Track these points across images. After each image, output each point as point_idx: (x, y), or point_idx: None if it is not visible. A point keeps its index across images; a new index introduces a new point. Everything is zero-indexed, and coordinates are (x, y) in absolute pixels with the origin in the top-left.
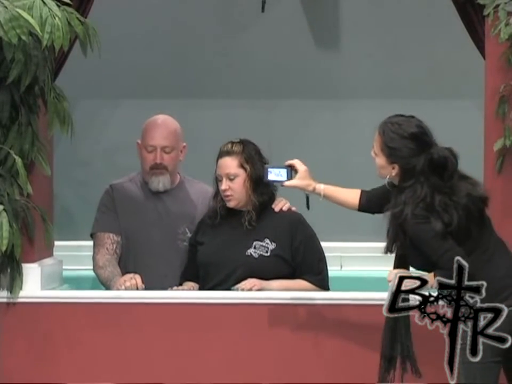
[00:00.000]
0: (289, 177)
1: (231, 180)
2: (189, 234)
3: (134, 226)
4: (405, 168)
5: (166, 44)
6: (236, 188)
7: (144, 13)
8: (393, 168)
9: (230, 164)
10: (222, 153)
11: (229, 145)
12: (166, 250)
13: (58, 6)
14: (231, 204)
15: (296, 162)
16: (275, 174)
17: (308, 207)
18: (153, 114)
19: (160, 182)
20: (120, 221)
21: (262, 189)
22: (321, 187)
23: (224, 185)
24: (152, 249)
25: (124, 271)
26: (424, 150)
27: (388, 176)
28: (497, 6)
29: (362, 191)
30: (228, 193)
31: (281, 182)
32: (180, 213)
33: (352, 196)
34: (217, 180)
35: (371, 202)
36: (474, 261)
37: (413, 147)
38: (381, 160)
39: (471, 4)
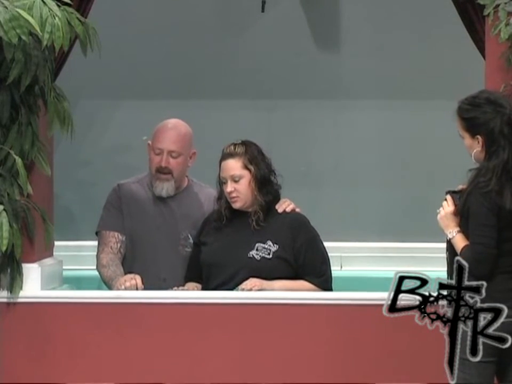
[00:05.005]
0: None
1: (236, 181)
2: (191, 240)
3: (137, 228)
4: (486, 135)
5: (166, 44)
6: (241, 189)
7: (144, 13)
8: (478, 142)
9: (234, 166)
10: (225, 156)
11: (232, 147)
12: (167, 255)
13: (58, 6)
14: (237, 205)
15: None
16: None
17: None
18: (154, 115)
19: (163, 189)
20: (125, 221)
21: (267, 189)
22: None
23: (229, 187)
24: (153, 252)
25: (127, 272)
26: (499, 112)
27: (473, 154)
28: (497, 6)
29: None
30: (234, 194)
31: None
32: (184, 218)
33: None
34: (221, 183)
35: None
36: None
37: (488, 110)
38: (466, 139)
39: (471, 4)
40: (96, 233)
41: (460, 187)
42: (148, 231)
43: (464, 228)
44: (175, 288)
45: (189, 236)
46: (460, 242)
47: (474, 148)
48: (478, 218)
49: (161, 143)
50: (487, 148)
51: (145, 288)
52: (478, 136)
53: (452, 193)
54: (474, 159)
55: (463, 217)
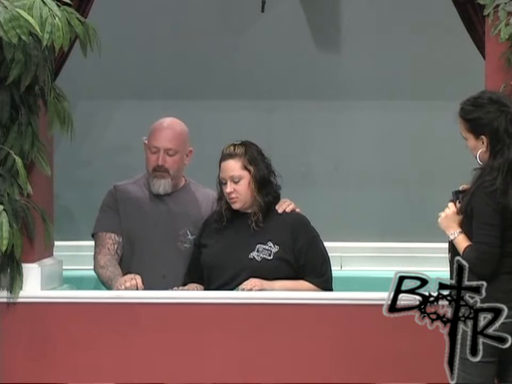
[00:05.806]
0: None
1: (235, 182)
2: (190, 237)
3: (135, 227)
4: (491, 134)
5: (166, 44)
6: (240, 190)
7: (144, 13)
8: (482, 143)
9: (234, 166)
10: (225, 156)
11: (231, 148)
12: (166, 252)
13: (58, 6)
14: (236, 206)
15: None
16: None
17: None
18: (154, 115)
19: (161, 186)
20: (122, 222)
21: (267, 189)
22: None
23: (229, 188)
24: (152, 250)
25: (125, 272)
26: (503, 111)
27: (478, 155)
28: (497, 6)
29: None
30: (233, 195)
31: None
32: (181, 215)
33: None
34: (221, 183)
35: None
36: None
37: (491, 110)
38: (470, 140)
39: (471, 4)
40: (93, 235)
41: (464, 187)
42: (145, 229)
43: (466, 227)
44: (176, 288)
45: (188, 232)
46: (462, 242)
47: (478, 148)
48: (482, 218)
49: (157, 142)
50: (491, 148)
51: (146, 285)
52: (483, 137)
53: (457, 193)
54: (480, 160)
55: (466, 216)
